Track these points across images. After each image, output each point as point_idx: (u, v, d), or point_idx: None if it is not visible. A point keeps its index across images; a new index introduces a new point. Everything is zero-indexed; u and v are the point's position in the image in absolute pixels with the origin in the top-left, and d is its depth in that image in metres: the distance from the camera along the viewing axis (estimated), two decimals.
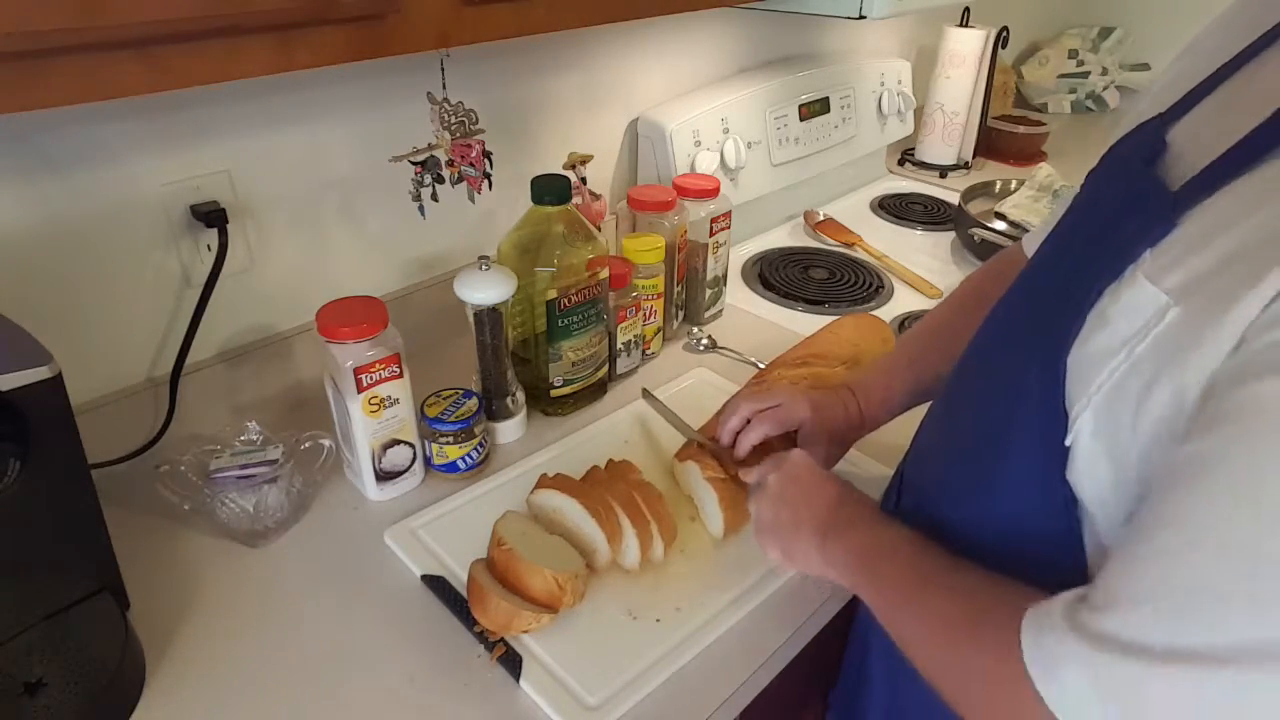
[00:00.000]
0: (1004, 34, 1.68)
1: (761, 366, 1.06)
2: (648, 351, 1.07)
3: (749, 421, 0.79)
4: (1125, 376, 0.42)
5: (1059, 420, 0.46)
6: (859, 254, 1.40)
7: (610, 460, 0.81)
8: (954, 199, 1.54)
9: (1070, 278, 0.50)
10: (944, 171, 1.74)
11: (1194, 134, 0.48)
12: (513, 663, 0.65)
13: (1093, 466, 0.45)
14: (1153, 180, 0.47)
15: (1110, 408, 0.43)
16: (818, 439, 0.78)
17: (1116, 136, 0.56)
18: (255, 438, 0.80)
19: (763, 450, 0.79)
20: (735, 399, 0.83)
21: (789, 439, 0.80)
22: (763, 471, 0.71)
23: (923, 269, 1.33)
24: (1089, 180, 0.58)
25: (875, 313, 1.21)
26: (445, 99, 0.82)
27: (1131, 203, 0.49)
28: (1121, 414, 0.43)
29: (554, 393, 0.94)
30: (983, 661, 0.46)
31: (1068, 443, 0.45)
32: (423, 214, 0.84)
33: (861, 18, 1.02)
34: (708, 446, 0.81)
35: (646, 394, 0.87)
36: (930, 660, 0.52)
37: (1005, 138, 1.83)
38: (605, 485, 0.76)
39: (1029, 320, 0.55)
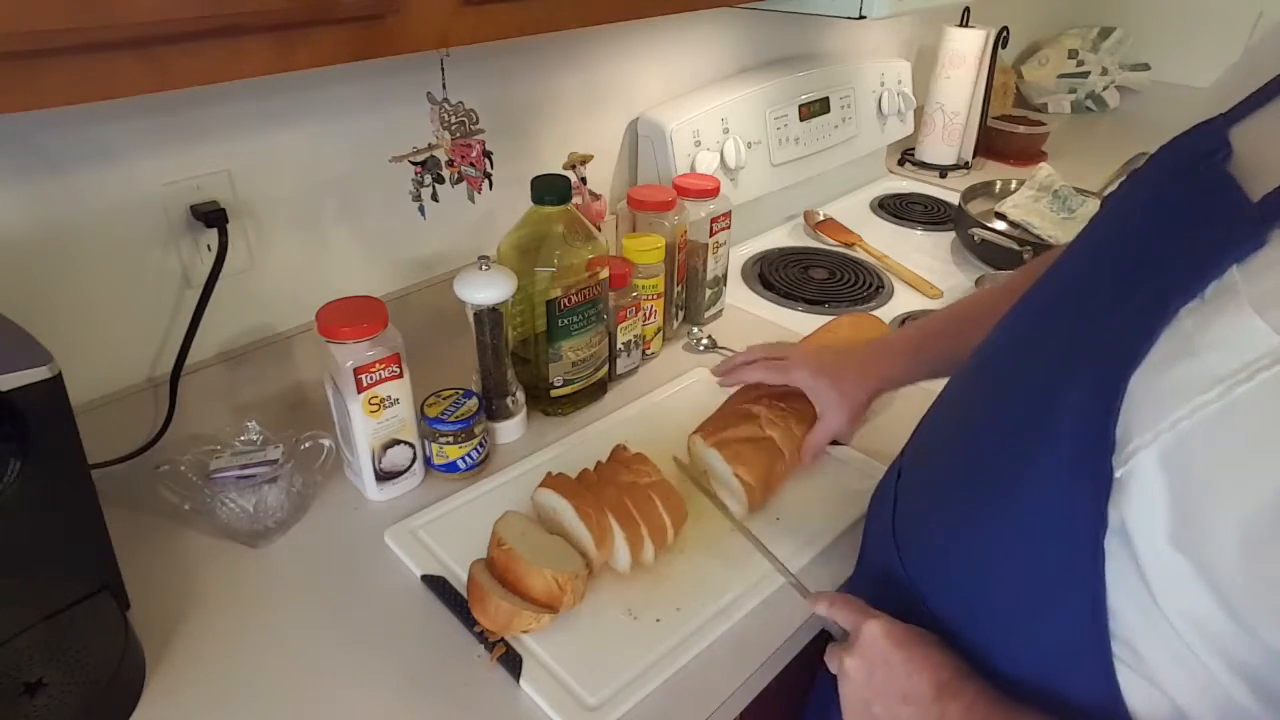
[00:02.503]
0: (1004, 34, 1.68)
1: None
2: (648, 351, 1.07)
3: (754, 364, 0.83)
4: (1220, 417, 0.38)
5: (1104, 443, 0.42)
6: (859, 254, 1.39)
7: (599, 463, 0.81)
8: (954, 199, 1.54)
9: (1129, 286, 0.45)
10: (944, 171, 1.74)
11: (1266, 137, 0.44)
12: (513, 663, 0.65)
13: (1157, 501, 0.40)
14: (1228, 184, 0.42)
15: (1193, 447, 0.38)
16: (829, 401, 0.79)
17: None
18: (255, 438, 0.80)
19: (782, 409, 0.82)
20: (753, 345, 0.86)
21: (806, 400, 0.82)
22: (831, 611, 0.62)
23: (923, 269, 1.33)
24: (1133, 182, 0.53)
25: (875, 313, 1.21)
26: (445, 99, 0.81)
27: (1202, 209, 0.44)
28: (1213, 459, 0.38)
29: (554, 393, 0.94)
30: None
31: (1119, 473, 0.41)
32: (423, 214, 0.84)
33: (861, 18, 1.02)
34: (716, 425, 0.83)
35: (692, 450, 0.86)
36: None
37: (1005, 138, 1.83)
38: (596, 489, 0.76)
39: (1070, 326, 0.50)
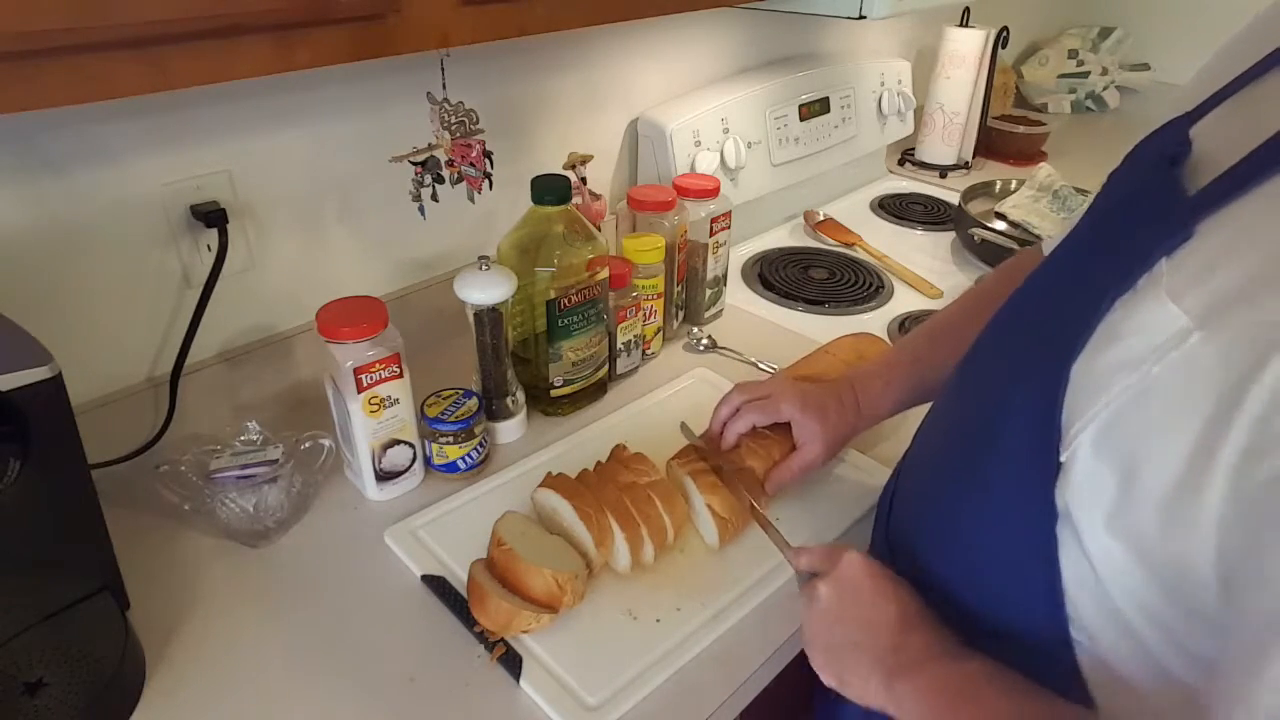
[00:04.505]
0: (1004, 34, 1.68)
1: (762, 367, 1.06)
2: (648, 351, 1.07)
3: (739, 411, 0.81)
4: (1137, 398, 0.40)
5: (1052, 431, 0.44)
6: (859, 254, 1.39)
7: (599, 463, 0.81)
8: (954, 199, 1.54)
9: (1080, 283, 0.47)
10: (944, 171, 1.73)
11: (1216, 134, 0.46)
12: (513, 663, 0.65)
13: (1093, 485, 0.42)
14: (1172, 182, 0.45)
15: (1117, 429, 0.41)
16: (813, 435, 0.79)
17: (1125, 134, 0.55)
18: (255, 438, 0.80)
19: (760, 440, 0.80)
20: (730, 391, 0.84)
21: (785, 432, 0.81)
22: (811, 561, 0.64)
23: (923, 269, 1.33)
24: (1110, 180, 0.55)
25: (875, 313, 1.22)
26: (445, 99, 0.82)
27: (1148, 205, 0.46)
28: (1132, 439, 0.40)
29: (554, 393, 0.94)
30: None
31: (1063, 458, 0.43)
32: (423, 214, 0.84)
33: (861, 18, 1.02)
34: (700, 447, 0.82)
35: (684, 428, 0.87)
36: None
37: (1005, 138, 1.83)
38: (595, 489, 0.76)
39: (1031, 326, 0.52)
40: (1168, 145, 0.48)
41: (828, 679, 0.60)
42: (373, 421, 0.78)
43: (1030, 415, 0.46)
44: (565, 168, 1.07)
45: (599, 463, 0.81)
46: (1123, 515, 0.41)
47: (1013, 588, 0.49)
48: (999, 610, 0.51)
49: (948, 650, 0.53)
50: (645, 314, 1.02)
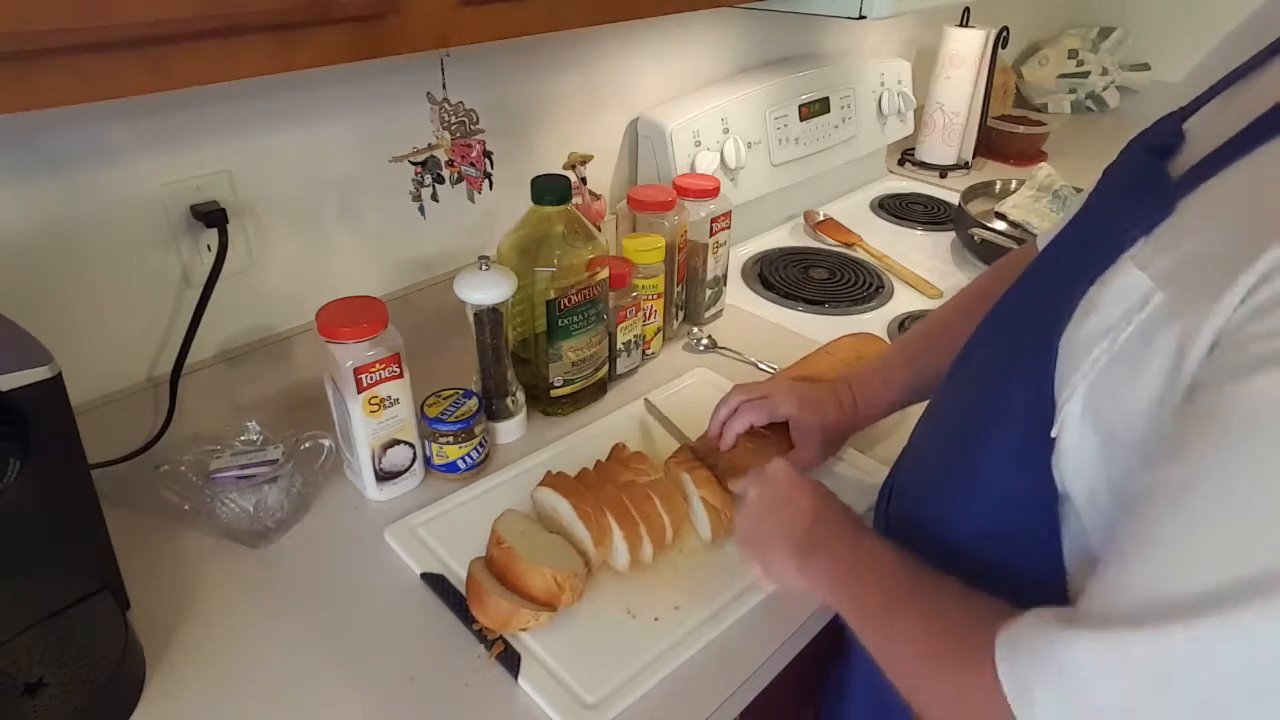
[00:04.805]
0: (1004, 34, 1.68)
1: (762, 367, 1.06)
2: (648, 351, 1.07)
3: (737, 411, 0.81)
4: (1112, 363, 0.42)
5: (1045, 409, 0.45)
6: (859, 254, 1.39)
7: (598, 462, 0.81)
8: (954, 199, 1.54)
9: (1069, 269, 0.49)
10: (944, 171, 1.74)
11: (1205, 126, 0.48)
12: (511, 661, 0.66)
13: (1082, 456, 0.44)
14: (1158, 170, 0.47)
15: (1096, 394, 0.42)
16: (810, 434, 0.79)
17: (1125, 134, 0.56)
18: (255, 438, 0.80)
19: (758, 440, 0.81)
20: (729, 392, 0.85)
21: (782, 432, 0.81)
22: (746, 483, 0.71)
23: (923, 269, 1.33)
24: (1105, 175, 0.57)
25: (875, 313, 1.22)
26: (445, 99, 0.82)
27: (1134, 192, 0.48)
28: (1110, 402, 0.42)
29: (554, 393, 0.94)
30: (961, 683, 0.45)
31: (1054, 433, 0.44)
32: (423, 214, 0.84)
33: (861, 18, 1.02)
34: (698, 449, 0.82)
35: (649, 405, 0.89)
36: (909, 681, 0.51)
37: (1005, 138, 1.83)
38: (595, 488, 0.76)
39: (1023, 314, 0.54)
40: (1160, 138, 0.50)
41: (755, 568, 0.67)
42: (373, 421, 0.78)
43: (1026, 397, 0.47)
44: (565, 168, 1.07)
45: (598, 462, 0.81)
46: (1112, 481, 0.42)
47: (1012, 574, 0.50)
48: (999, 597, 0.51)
49: (853, 534, 0.60)
50: (645, 314, 1.02)
